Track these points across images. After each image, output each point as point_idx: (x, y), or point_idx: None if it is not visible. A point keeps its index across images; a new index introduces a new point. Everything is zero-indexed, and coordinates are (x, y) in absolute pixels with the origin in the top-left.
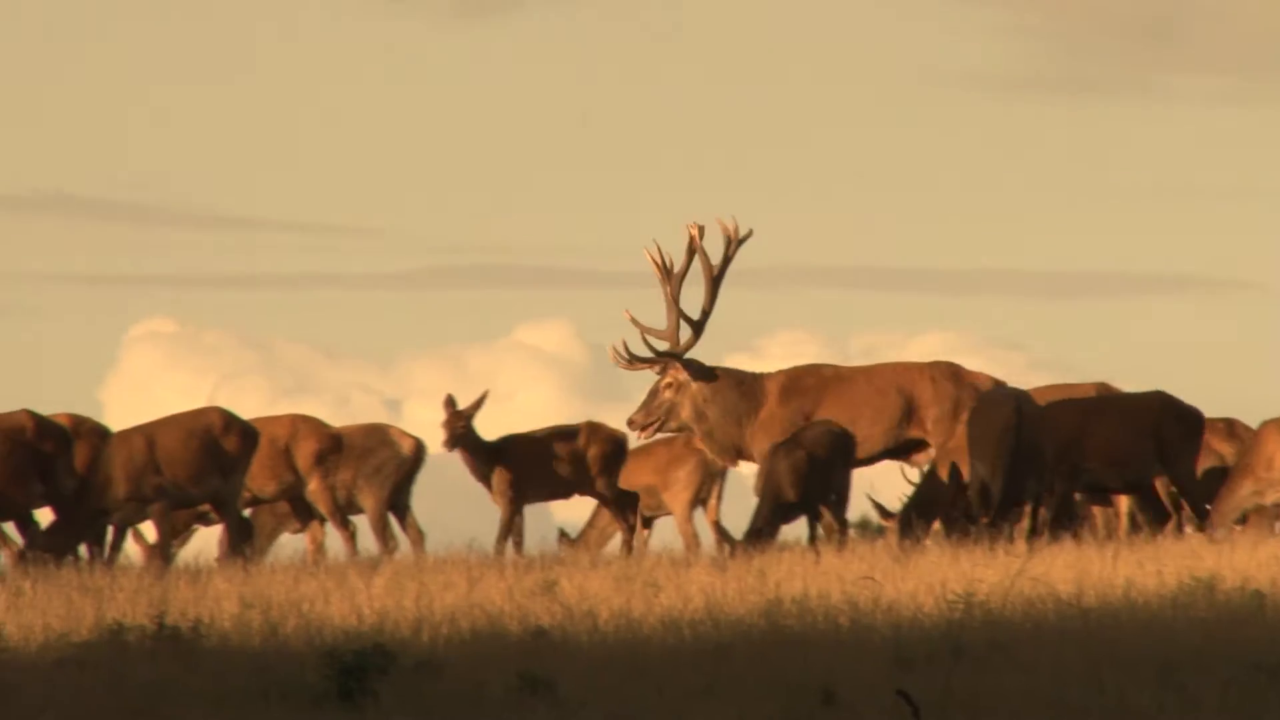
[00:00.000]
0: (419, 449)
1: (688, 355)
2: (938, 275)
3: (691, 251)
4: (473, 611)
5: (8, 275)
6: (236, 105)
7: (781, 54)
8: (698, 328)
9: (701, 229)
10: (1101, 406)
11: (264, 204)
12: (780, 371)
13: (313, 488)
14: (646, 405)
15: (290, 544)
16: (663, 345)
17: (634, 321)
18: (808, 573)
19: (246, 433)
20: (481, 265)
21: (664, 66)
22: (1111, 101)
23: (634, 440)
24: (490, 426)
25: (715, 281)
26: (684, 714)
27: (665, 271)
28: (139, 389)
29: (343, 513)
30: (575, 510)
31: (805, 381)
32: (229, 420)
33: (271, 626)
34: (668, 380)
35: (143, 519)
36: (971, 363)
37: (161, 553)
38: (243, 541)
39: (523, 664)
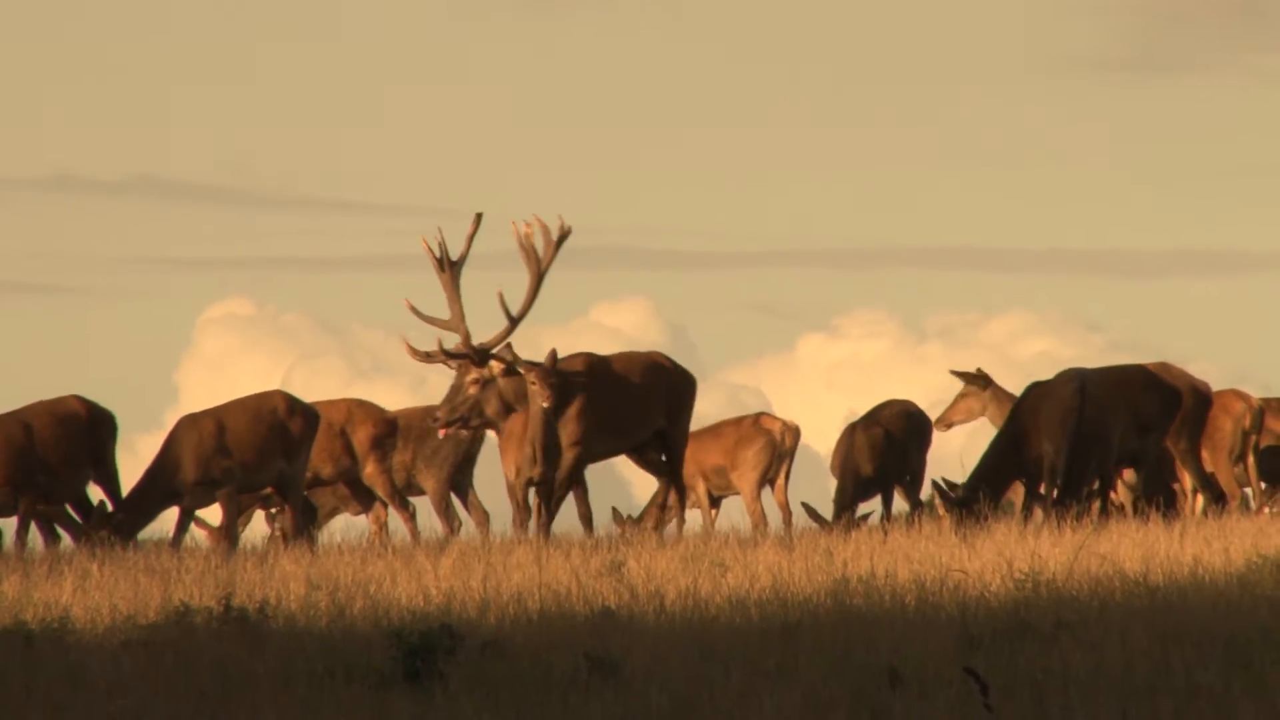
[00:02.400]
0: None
1: (498, 349)
2: (1017, 255)
3: (535, 246)
4: (539, 592)
5: (90, 258)
6: (319, 89)
7: (867, 37)
8: (515, 321)
9: (539, 225)
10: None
11: (344, 186)
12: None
13: (369, 471)
14: (450, 400)
15: (357, 525)
16: (451, 337)
17: (414, 310)
18: (875, 552)
19: (309, 415)
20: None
21: (745, 51)
22: (1200, 81)
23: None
24: None
25: (538, 279)
26: (751, 694)
27: (441, 261)
28: (214, 371)
29: (401, 495)
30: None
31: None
32: (292, 403)
33: (338, 608)
34: (474, 376)
35: (211, 502)
36: (1048, 343)
37: (228, 535)
38: (307, 524)
39: (589, 644)
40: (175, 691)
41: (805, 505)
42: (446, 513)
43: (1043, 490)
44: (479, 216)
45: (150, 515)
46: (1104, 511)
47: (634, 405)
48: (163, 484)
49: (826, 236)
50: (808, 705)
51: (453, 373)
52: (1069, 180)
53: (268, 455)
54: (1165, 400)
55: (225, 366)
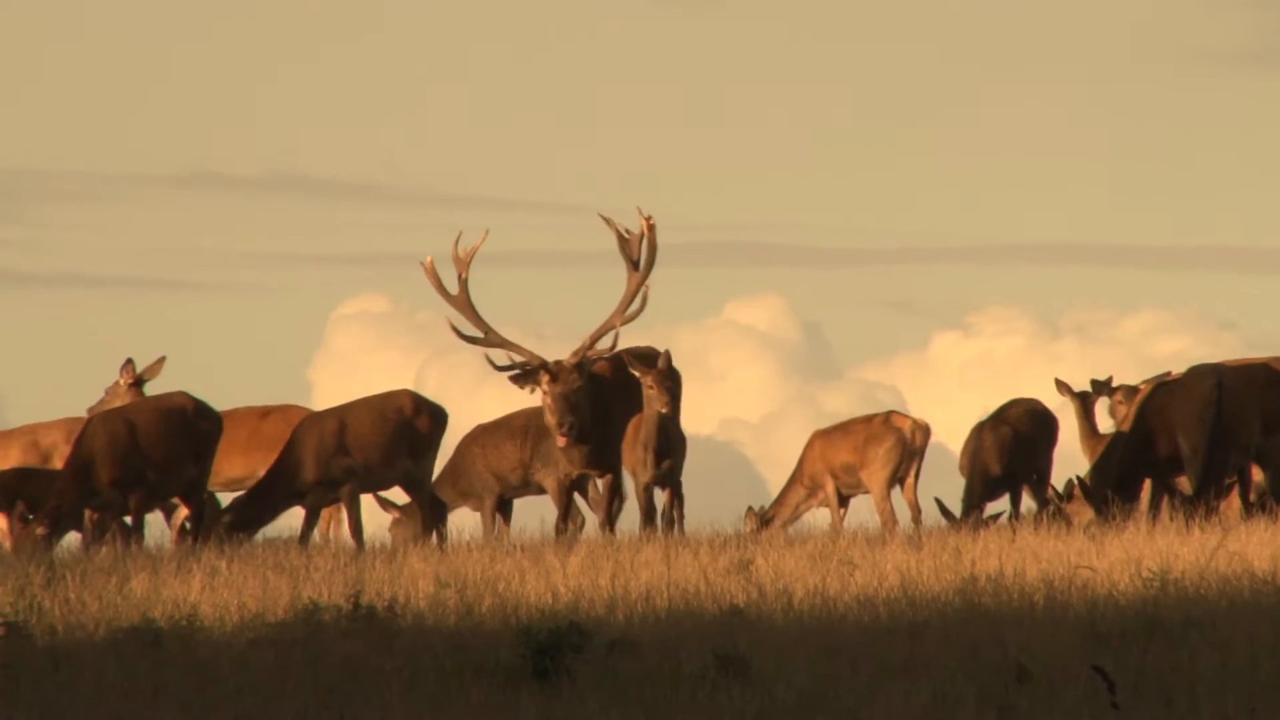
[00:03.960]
0: None
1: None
2: (1152, 252)
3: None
4: (668, 590)
5: (227, 254)
6: (461, 86)
7: (1002, 31)
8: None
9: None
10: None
11: (482, 183)
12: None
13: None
14: (568, 408)
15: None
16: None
17: (455, 331)
18: (1003, 550)
19: (437, 414)
20: (692, 243)
21: (875, 46)
22: None
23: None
24: (702, 407)
25: (642, 277)
26: (878, 692)
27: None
28: (347, 368)
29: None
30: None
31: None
32: (420, 402)
33: (467, 606)
34: (576, 382)
35: (334, 501)
36: (1183, 341)
37: (354, 534)
38: (437, 522)
39: (718, 643)
40: (303, 689)
41: (938, 501)
42: (567, 510)
43: (1184, 488)
44: (485, 233)
45: (273, 514)
46: (1245, 509)
47: None
48: (285, 483)
49: (961, 233)
50: (934, 703)
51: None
52: (1205, 176)
53: (393, 454)
54: None
55: (358, 363)
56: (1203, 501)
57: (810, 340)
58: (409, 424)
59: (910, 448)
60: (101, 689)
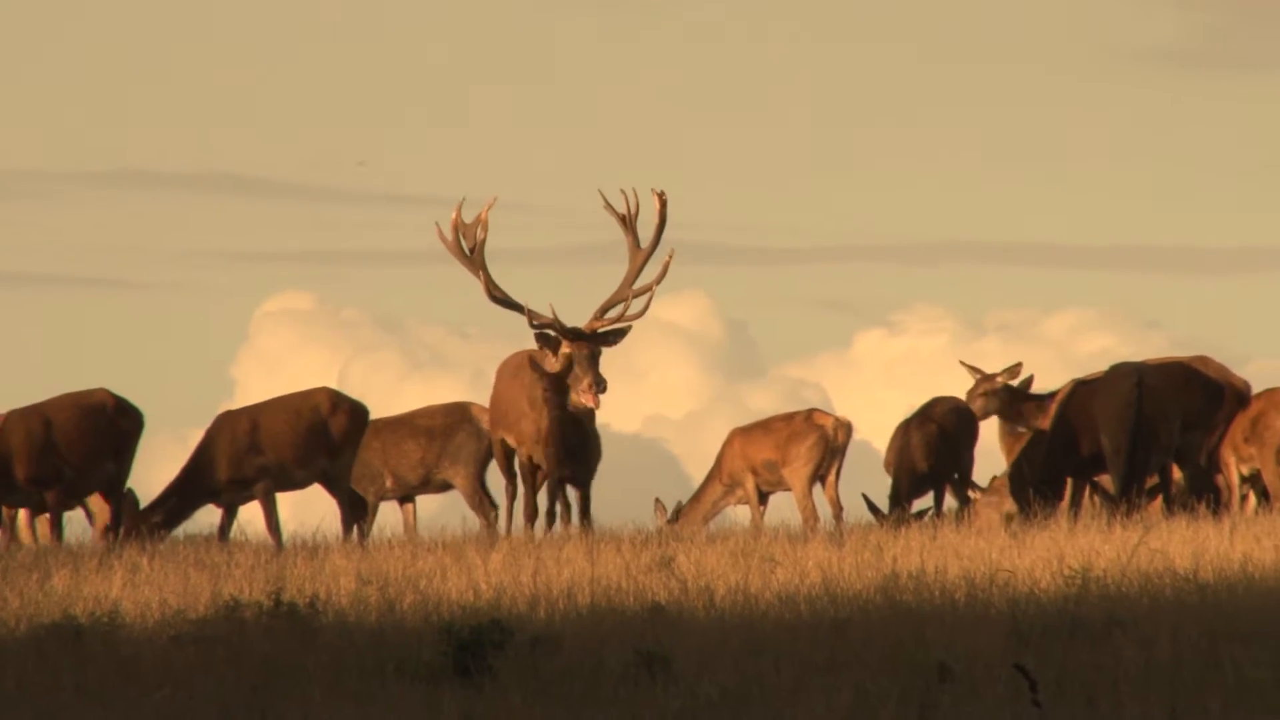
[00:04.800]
0: None
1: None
2: (1078, 251)
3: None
4: (590, 587)
5: (151, 252)
6: (382, 83)
7: (932, 30)
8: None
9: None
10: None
11: (405, 181)
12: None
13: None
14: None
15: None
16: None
17: (532, 315)
18: (925, 548)
19: (356, 412)
20: (616, 241)
21: (806, 44)
22: (1270, 78)
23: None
24: (626, 405)
25: (646, 255)
26: (801, 690)
27: (468, 247)
28: (271, 365)
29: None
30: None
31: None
32: (337, 400)
33: (388, 603)
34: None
35: (249, 499)
36: (1108, 340)
37: (271, 532)
38: (358, 519)
39: (639, 640)
40: (225, 686)
41: (865, 498)
42: (482, 506)
43: (1106, 487)
44: (494, 199)
45: (190, 512)
46: (1167, 507)
47: None
48: (199, 482)
49: (887, 232)
50: (857, 701)
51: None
52: (1132, 176)
53: (309, 453)
54: (1208, 396)
55: (282, 361)
56: (1125, 500)
57: (735, 338)
58: (325, 423)
59: (832, 445)
60: (23, 686)
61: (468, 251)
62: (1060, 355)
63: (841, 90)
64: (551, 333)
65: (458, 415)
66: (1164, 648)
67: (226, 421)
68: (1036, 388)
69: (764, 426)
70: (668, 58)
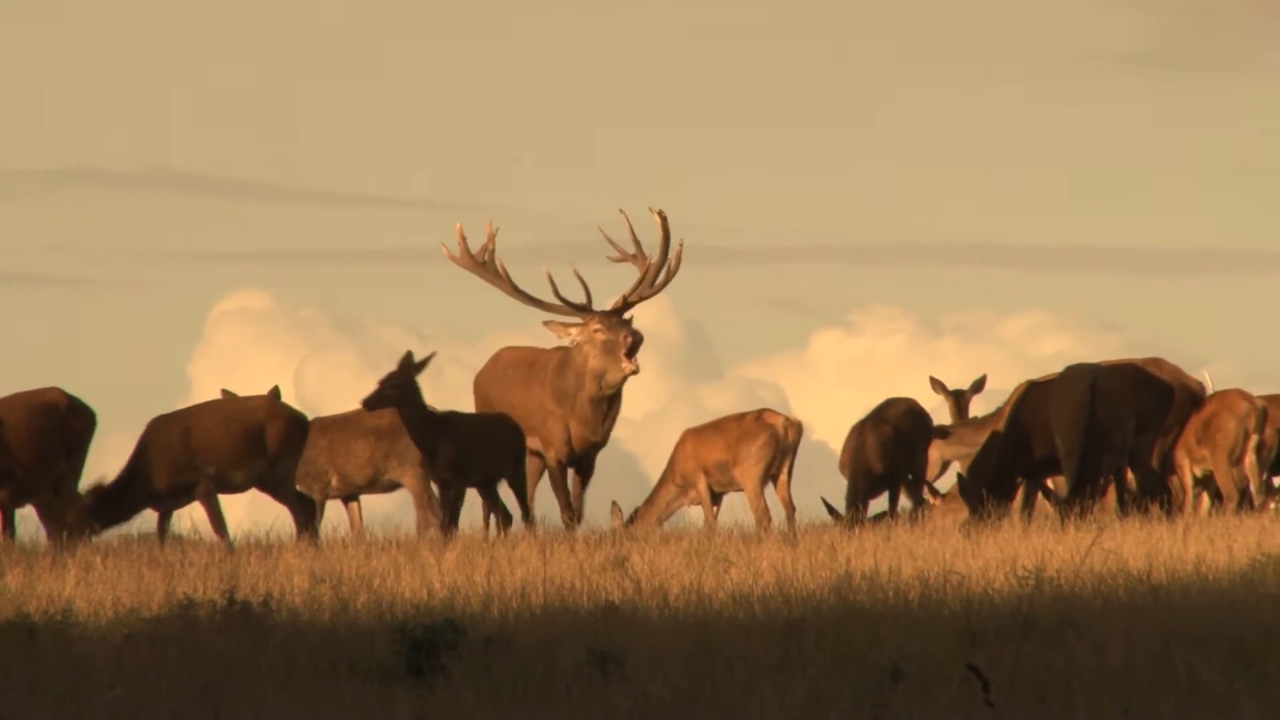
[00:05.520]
0: None
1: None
2: (1036, 252)
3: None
4: (543, 586)
5: (106, 251)
6: (337, 82)
7: (890, 30)
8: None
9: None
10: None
11: (364, 180)
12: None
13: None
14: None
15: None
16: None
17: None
18: (879, 548)
19: (293, 420)
20: (574, 242)
21: (762, 45)
22: (1226, 79)
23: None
24: None
25: (656, 271)
26: (753, 690)
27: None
28: (227, 365)
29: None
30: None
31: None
32: (274, 408)
33: (341, 602)
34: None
35: (189, 501)
36: (1065, 342)
37: (218, 534)
38: (308, 519)
39: (593, 639)
40: (178, 685)
41: (824, 500)
42: (430, 504)
43: (1059, 488)
44: (492, 223)
45: (127, 516)
46: (1121, 508)
47: None
48: (136, 487)
49: (845, 232)
50: (810, 701)
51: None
52: (1089, 178)
53: (244, 458)
54: (1161, 398)
55: (238, 360)
56: (1077, 501)
57: (692, 339)
58: (261, 430)
59: (783, 445)
60: None
61: (480, 263)
62: (1017, 357)
63: (798, 90)
64: (576, 319)
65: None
66: (1117, 649)
67: (159, 427)
68: (992, 389)
69: (715, 427)
70: (620, 58)
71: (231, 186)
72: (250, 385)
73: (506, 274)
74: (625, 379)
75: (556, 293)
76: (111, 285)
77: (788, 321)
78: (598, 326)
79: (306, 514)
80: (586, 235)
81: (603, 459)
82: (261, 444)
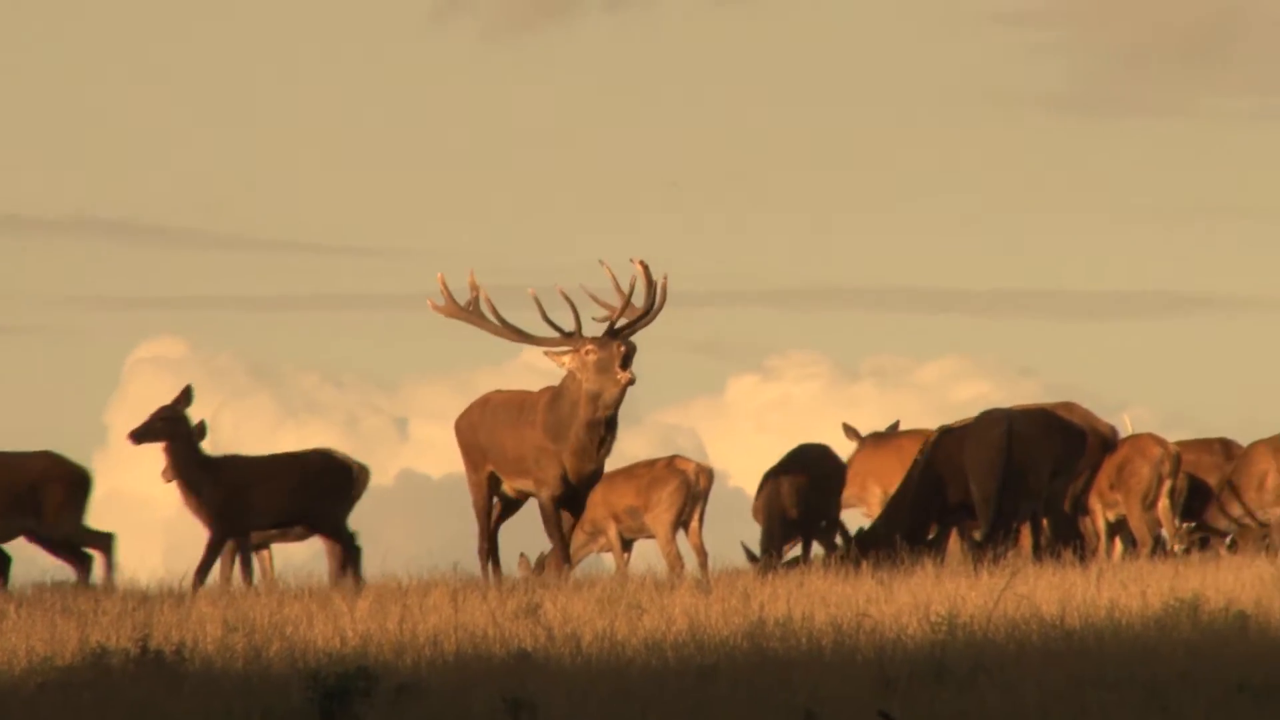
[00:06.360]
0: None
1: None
2: (952, 296)
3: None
4: (456, 634)
5: (22, 296)
6: (250, 128)
7: (809, 74)
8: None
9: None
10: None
11: (280, 226)
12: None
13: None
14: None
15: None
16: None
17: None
18: (792, 595)
19: (75, 479)
20: (493, 286)
21: (675, 84)
22: (1149, 123)
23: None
24: None
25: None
26: None
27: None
28: (143, 412)
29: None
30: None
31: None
32: (55, 466)
33: (255, 650)
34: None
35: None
36: (982, 386)
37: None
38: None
39: (506, 686)
40: None
41: (745, 546)
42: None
43: (976, 535)
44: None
45: None
46: (1036, 553)
47: None
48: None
49: (761, 277)
50: None
51: None
52: (1008, 221)
53: (10, 511)
54: (1073, 442)
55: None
56: (991, 546)
57: None
58: (36, 488)
59: (694, 491)
60: None
61: (467, 310)
62: (935, 402)
63: (710, 133)
64: (568, 347)
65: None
66: (1030, 694)
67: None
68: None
69: (626, 473)
70: (531, 102)
71: (149, 233)
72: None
73: (497, 313)
74: (623, 393)
75: (545, 316)
76: (27, 331)
77: (704, 366)
78: (590, 348)
79: (86, 566)
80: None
81: (519, 509)
82: (33, 502)
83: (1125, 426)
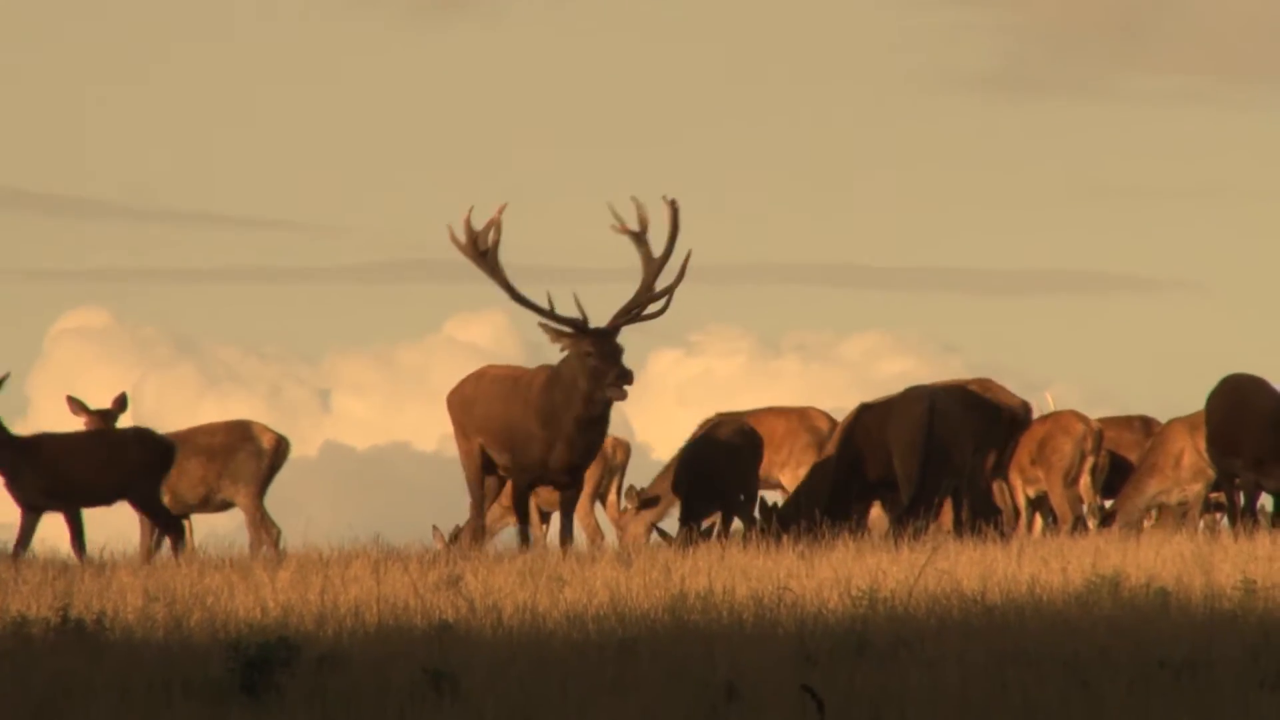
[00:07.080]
0: (281, 445)
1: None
2: (876, 272)
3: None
4: (377, 605)
5: None
6: (172, 100)
7: (732, 49)
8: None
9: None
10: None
11: (202, 198)
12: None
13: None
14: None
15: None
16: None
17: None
18: (713, 568)
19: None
20: (413, 259)
21: (622, 64)
22: (1069, 102)
23: None
24: (424, 425)
25: (660, 263)
26: (588, 709)
27: (479, 249)
28: (65, 383)
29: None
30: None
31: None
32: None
33: (176, 620)
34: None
35: None
36: (906, 363)
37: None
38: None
39: (427, 658)
40: (11, 703)
41: (658, 528)
42: (263, 524)
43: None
44: (504, 206)
45: None
46: (957, 528)
47: None
48: None
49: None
50: (644, 719)
51: None
52: (931, 198)
53: None
54: (992, 418)
55: (77, 378)
56: (911, 521)
57: (533, 358)
58: None
59: (610, 464)
60: None
61: (481, 253)
62: (857, 377)
63: (639, 106)
64: (569, 330)
65: (239, 434)
66: (951, 669)
67: None
68: (833, 410)
69: None
70: (458, 77)
71: (71, 204)
72: (89, 402)
73: (502, 272)
74: (611, 404)
75: (553, 312)
76: None
77: (626, 340)
78: (589, 350)
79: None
80: (430, 254)
81: (443, 478)
82: None
83: (1047, 403)
